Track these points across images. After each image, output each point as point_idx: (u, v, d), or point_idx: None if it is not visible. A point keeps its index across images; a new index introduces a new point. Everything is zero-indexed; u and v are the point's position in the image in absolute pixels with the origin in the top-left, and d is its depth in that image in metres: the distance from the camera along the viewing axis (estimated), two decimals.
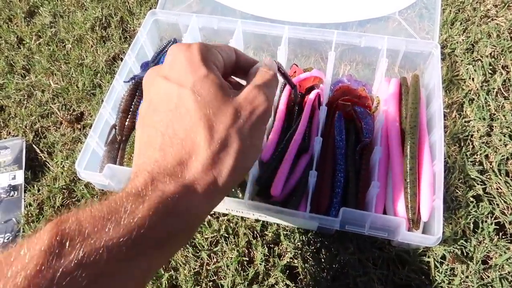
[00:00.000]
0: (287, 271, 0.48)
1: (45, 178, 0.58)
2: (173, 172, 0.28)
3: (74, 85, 0.67)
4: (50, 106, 0.65)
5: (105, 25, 0.75)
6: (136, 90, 0.59)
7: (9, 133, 0.64)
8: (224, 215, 0.52)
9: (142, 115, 0.33)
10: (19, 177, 0.58)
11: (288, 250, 0.49)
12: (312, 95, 0.55)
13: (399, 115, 0.53)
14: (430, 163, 0.48)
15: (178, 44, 0.32)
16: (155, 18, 0.64)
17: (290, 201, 0.48)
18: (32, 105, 0.65)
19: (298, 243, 0.50)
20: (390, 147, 0.50)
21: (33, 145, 0.61)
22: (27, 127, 0.63)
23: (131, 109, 0.57)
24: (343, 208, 0.44)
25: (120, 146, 0.56)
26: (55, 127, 0.63)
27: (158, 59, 0.63)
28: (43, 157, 0.60)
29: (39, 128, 0.63)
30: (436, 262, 0.47)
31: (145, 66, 0.63)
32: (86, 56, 0.70)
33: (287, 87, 0.56)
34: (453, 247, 0.47)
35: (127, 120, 0.57)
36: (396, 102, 0.54)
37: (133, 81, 0.59)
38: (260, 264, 0.49)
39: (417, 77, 0.55)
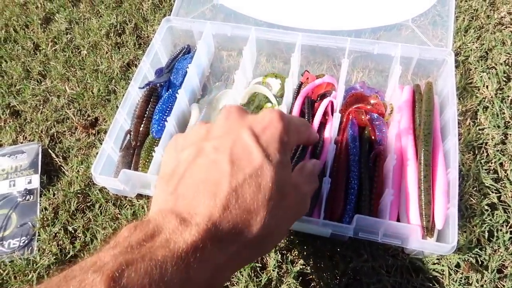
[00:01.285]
0: (300, 278, 0.48)
1: (60, 183, 0.59)
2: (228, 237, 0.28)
3: (89, 91, 0.68)
4: (66, 111, 0.66)
5: (119, 31, 0.76)
6: (150, 96, 0.59)
7: (25, 137, 0.65)
8: None
9: (200, 144, 0.32)
10: (35, 181, 0.59)
11: (301, 256, 0.49)
12: (325, 102, 0.55)
13: (413, 122, 0.53)
14: (444, 171, 0.48)
15: (279, 113, 0.33)
16: (169, 25, 0.65)
17: None
18: (48, 110, 0.67)
19: (311, 250, 0.50)
20: (404, 155, 0.50)
21: (49, 150, 0.62)
22: (43, 132, 0.64)
23: (145, 115, 0.58)
24: (357, 215, 0.44)
25: (134, 151, 0.57)
26: (70, 132, 0.64)
27: (172, 65, 0.64)
28: (58, 161, 0.61)
29: (55, 133, 0.64)
30: (450, 271, 0.46)
31: (159, 72, 0.64)
32: (101, 62, 0.71)
33: (301, 96, 0.57)
34: (468, 255, 0.47)
35: (142, 125, 0.57)
36: (410, 109, 0.54)
37: (148, 87, 0.60)
38: (273, 270, 0.49)
39: (430, 84, 0.55)
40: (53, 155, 0.62)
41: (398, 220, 0.48)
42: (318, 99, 0.57)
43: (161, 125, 0.56)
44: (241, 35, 0.62)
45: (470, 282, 0.46)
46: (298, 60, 0.62)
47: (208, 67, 0.68)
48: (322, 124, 0.55)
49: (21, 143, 0.64)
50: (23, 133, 0.65)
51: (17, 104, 0.68)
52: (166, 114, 0.57)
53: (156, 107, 0.58)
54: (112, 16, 0.77)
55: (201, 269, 0.26)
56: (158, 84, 0.61)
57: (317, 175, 0.42)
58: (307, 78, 0.59)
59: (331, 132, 0.52)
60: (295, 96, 0.58)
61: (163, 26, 0.64)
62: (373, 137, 0.52)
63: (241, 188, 0.28)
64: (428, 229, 0.45)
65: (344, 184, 0.49)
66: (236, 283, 0.49)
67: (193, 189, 0.29)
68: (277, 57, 0.67)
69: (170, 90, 0.61)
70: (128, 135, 0.57)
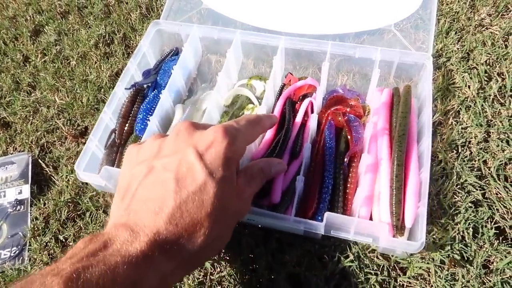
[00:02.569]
0: (291, 280, 0.49)
1: (50, 192, 0.59)
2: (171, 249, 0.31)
3: (79, 101, 0.68)
4: (55, 122, 0.66)
5: (108, 41, 0.77)
6: (136, 97, 0.61)
7: (16, 148, 0.65)
8: None
9: (151, 162, 0.35)
10: (25, 191, 0.59)
11: (291, 258, 0.50)
12: (305, 103, 0.57)
13: (390, 124, 0.54)
14: (417, 171, 0.49)
15: (224, 130, 0.36)
16: (158, 28, 0.67)
17: (279, 205, 0.49)
18: (37, 120, 0.67)
19: (300, 251, 0.50)
20: (379, 155, 0.52)
21: (39, 160, 0.62)
22: (33, 142, 0.65)
23: (130, 115, 0.60)
24: (327, 213, 0.45)
25: (118, 149, 0.58)
26: (60, 142, 0.65)
27: (160, 67, 0.66)
28: (48, 171, 0.61)
29: (45, 143, 0.65)
30: (436, 268, 0.47)
31: (147, 74, 0.66)
32: (90, 72, 0.72)
33: (283, 96, 0.58)
34: (451, 252, 0.48)
35: (127, 125, 0.59)
36: (387, 111, 0.55)
37: (134, 88, 0.61)
38: (264, 272, 0.49)
39: (408, 87, 0.56)
40: (43, 165, 0.62)
41: (371, 219, 0.49)
42: (299, 101, 0.59)
43: (144, 124, 0.58)
44: (228, 38, 0.64)
45: (456, 278, 0.47)
46: (281, 63, 0.64)
47: (195, 69, 0.69)
48: (303, 125, 0.56)
49: (11, 154, 0.64)
50: (13, 144, 0.65)
51: (7, 116, 0.68)
52: (150, 113, 0.59)
53: (141, 106, 0.60)
54: (101, 27, 0.78)
55: (150, 274, 0.29)
56: (145, 85, 0.63)
57: (268, 175, 0.44)
58: (290, 80, 0.61)
59: (308, 132, 0.53)
60: (277, 97, 0.59)
61: (151, 29, 0.66)
62: (349, 138, 0.54)
63: (185, 204, 0.31)
64: (398, 227, 0.46)
65: (319, 183, 0.50)
66: (227, 287, 0.49)
67: (143, 206, 0.32)
68: (263, 61, 0.68)
69: (155, 90, 0.63)
70: (113, 134, 0.59)
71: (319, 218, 0.48)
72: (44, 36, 0.79)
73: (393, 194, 0.47)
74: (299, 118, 0.56)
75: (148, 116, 0.58)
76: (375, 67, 0.56)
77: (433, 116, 0.59)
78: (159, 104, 0.58)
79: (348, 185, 0.50)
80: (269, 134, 0.55)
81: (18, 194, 0.59)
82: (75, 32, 0.79)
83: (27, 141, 0.65)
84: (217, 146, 0.35)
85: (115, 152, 0.58)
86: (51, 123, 0.67)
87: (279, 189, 0.50)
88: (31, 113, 0.68)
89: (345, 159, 0.51)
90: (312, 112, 0.57)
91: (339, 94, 0.59)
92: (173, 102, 0.62)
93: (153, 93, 0.62)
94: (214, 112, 0.60)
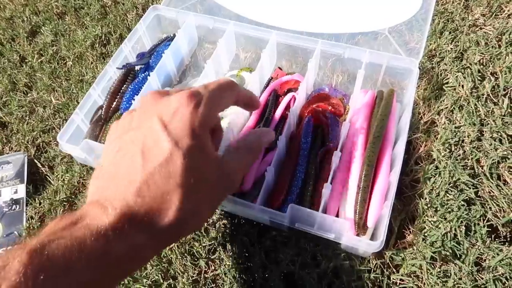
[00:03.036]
0: (285, 278, 0.49)
1: (46, 192, 0.59)
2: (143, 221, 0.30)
3: (75, 101, 0.68)
4: (52, 122, 0.67)
5: (104, 42, 0.77)
6: (127, 76, 0.63)
7: (11, 148, 0.65)
8: (220, 219, 0.53)
9: (121, 137, 0.34)
10: (21, 191, 0.60)
11: (285, 257, 0.50)
12: (287, 97, 0.58)
13: (368, 125, 0.55)
14: (387, 173, 0.50)
15: (188, 95, 0.33)
16: (156, 14, 0.68)
17: (248, 193, 0.51)
18: (34, 121, 0.67)
19: (294, 250, 0.51)
20: (352, 154, 0.52)
21: (35, 160, 0.63)
22: (29, 142, 0.65)
23: (119, 92, 0.61)
24: (291, 205, 0.46)
25: (103, 125, 0.60)
26: (55, 142, 0.65)
27: (154, 51, 0.66)
28: (44, 171, 0.62)
29: (41, 143, 0.65)
30: (428, 265, 0.47)
31: (141, 56, 0.67)
32: (86, 73, 0.72)
33: (268, 89, 0.60)
34: (442, 249, 0.48)
35: (115, 102, 0.60)
36: (367, 113, 0.56)
37: (126, 68, 0.63)
38: (258, 271, 0.49)
39: (392, 91, 0.56)
40: (39, 165, 0.62)
41: (337, 215, 0.50)
42: (283, 95, 0.61)
43: (130, 103, 0.59)
44: (222, 28, 0.65)
45: (449, 275, 0.47)
46: (272, 57, 0.65)
47: (188, 56, 0.71)
48: (284, 118, 0.58)
49: (7, 153, 0.64)
50: (9, 144, 0.66)
51: (3, 116, 0.69)
52: (137, 93, 0.60)
53: (129, 86, 0.61)
54: (97, 28, 0.78)
55: (120, 246, 0.28)
56: (137, 66, 0.64)
57: (259, 147, 0.41)
58: (277, 74, 0.63)
59: (285, 126, 0.54)
60: (263, 90, 0.62)
61: (149, 13, 0.67)
62: (326, 135, 0.54)
63: (152, 177, 0.30)
64: (360, 226, 0.47)
65: (290, 176, 0.51)
66: (222, 285, 0.49)
67: (113, 181, 0.32)
68: (256, 54, 0.69)
69: (146, 72, 0.64)
70: (100, 110, 0.60)
71: (285, 209, 0.48)
72: (41, 37, 0.80)
73: (359, 192, 0.47)
74: (279, 111, 0.58)
75: (135, 96, 0.59)
76: (361, 69, 0.56)
77: (425, 116, 0.60)
78: (146, 85, 0.60)
79: (318, 181, 0.51)
80: (250, 123, 0.57)
81: (13, 193, 0.59)
82: (72, 32, 0.79)
83: (23, 141, 0.65)
84: (182, 112, 0.32)
85: (99, 127, 0.60)
86: (47, 123, 0.67)
87: (252, 177, 0.51)
88: (27, 113, 0.69)
89: (318, 155, 0.52)
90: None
91: (324, 92, 0.60)
92: (161, 86, 0.64)
93: (143, 75, 0.63)
94: None
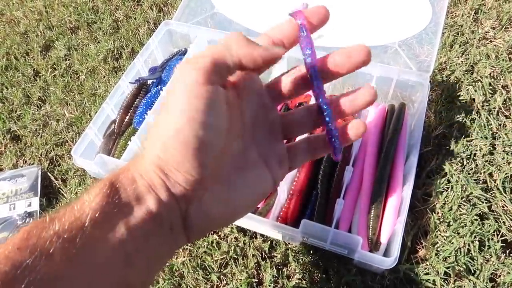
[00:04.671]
0: None
1: (59, 205, 0.60)
2: None
3: (87, 114, 0.69)
4: (65, 135, 0.68)
5: (117, 56, 0.78)
6: (140, 90, 0.63)
7: (25, 161, 0.66)
8: (231, 232, 0.53)
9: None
10: (35, 204, 0.60)
11: (296, 271, 0.50)
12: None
13: (380, 139, 0.55)
14: (399, 188, 0.49)
15: (186, 61, 0.27)
16: (168, 28, 0.69)
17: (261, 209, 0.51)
18: (47, 134, 0.68)
19: (306, 264, 0.50)
20: (364, 169, 0.52)
21: (48, 173, 0.64)
22: (42, 156, 0.66)
23: (132, 107, 0.62)
24: (304, 220, 0.46)
25: (116, 139, 0.60)
26: (69, 155, 0.66)
27: (166, 65, 0.67)
28: (57, 184, 0.62)
29: (54, 156, 0.66)
30: (441, 281, 0.47)
31: (153, 70, 0.68)
32: (99, 86, 0.73)
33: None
34: (455, 264, 0.48)
35: (127, 116, 0.61)
36: (379, 127, 0.56)
37: (138, 82, 0.63)
38: (269, 285, 0.49)
39: (403, 105, 0.56)
40: (52, 178, 0.63)
41: (349, 231, 0.49)
42: (295, 107, 0.61)
43: (143, 117, 0.60)
44: None
45: None
46: (282, 71, 0.64)
47: None
48: None
49: (21, 167, 0.65)
50: (23, 157, 0.67)
51: (18, 129, 0.70)
52: (150, 108, 0.60)
53: (142, 100, 0.62)
54: (110, 42, 0.79)
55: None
56: (149, 81, 0.65)
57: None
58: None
59: None
60: None
61: (161, 29, 0.68)
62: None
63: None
64: (373, 242, 0.46)
65: (302, 191, 0.51)
66: None
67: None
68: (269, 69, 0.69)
69: (159, 86, 0.65)
70: (113, 124, 0.61)
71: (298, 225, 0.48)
72: (54, 51, 0.81)
73: (372, 208, 0.47)
74: None
75: (148, 110, 0.60)
76: (372, 83, 0.57)
77: (436, 129, 0.59)
78: (159, 99, 0.60)
79: (330, 196, 0.51)
80: None
81: (27, 206, 0.60)
82: (85, 47, 0.81)
83: (36, 154, 0.66)
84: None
85: (112, 141, 0.60)
86: (60, 136, 0.68)
87: None
88: (41, 127, 0.70)
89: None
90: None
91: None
92: None
93: (155, 89, 0.64)
94: None
